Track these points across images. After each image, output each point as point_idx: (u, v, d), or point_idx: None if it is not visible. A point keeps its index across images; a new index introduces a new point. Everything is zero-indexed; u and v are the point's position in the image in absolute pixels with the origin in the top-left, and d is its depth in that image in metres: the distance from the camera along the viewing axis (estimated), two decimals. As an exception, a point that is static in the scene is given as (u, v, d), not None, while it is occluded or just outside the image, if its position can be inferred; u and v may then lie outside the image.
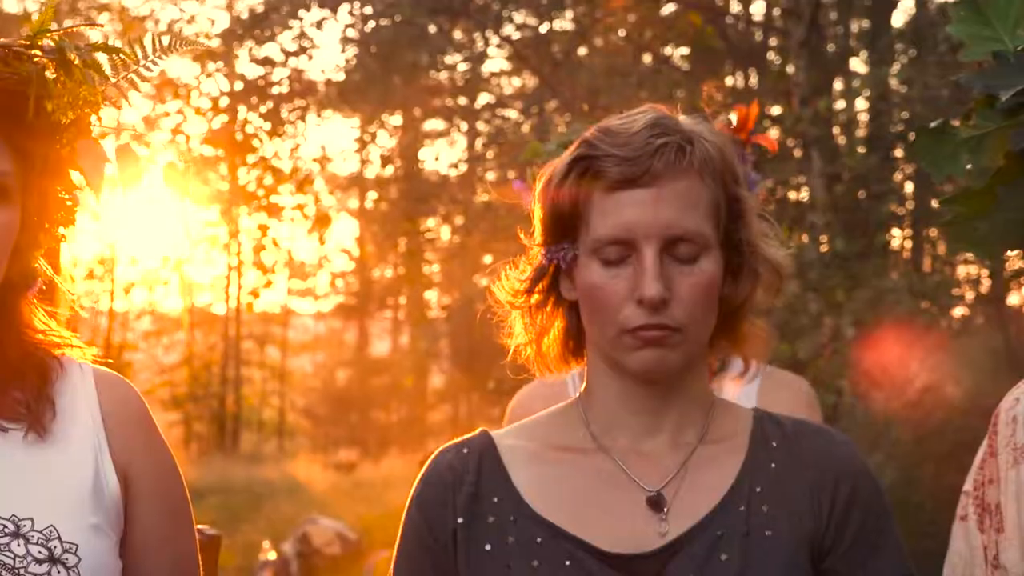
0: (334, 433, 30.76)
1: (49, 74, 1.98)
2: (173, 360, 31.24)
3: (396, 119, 27.72)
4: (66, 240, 2.12)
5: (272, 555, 13.72)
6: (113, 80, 2.04)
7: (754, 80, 17.77)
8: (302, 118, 27.60)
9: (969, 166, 2.13)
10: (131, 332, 30.58)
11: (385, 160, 28.67)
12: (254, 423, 32.47)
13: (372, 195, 30.30)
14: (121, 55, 2.04)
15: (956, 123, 2.13)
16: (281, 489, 21.13)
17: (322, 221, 29.26)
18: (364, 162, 29.67)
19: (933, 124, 2.15)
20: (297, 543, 14.40)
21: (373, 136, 28.64)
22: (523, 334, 2.24)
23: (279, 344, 32.73)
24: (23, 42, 1.98)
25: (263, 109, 26.90)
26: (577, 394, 2.26)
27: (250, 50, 26.29)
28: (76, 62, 1.99)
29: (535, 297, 2.20)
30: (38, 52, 1.98)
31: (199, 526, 2.88)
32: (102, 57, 2.06)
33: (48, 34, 1.97)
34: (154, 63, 2.06)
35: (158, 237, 29.13)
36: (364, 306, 32.19)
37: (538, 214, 2.17)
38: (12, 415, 2.04)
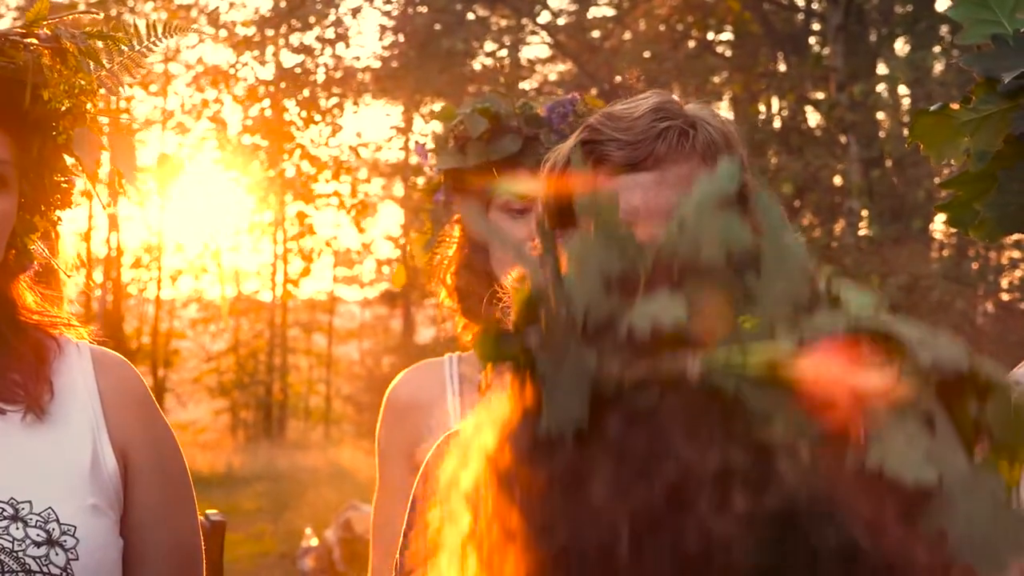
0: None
1: (45, 62, 1.99)
2: (220, 348, 31.35)
3: (438, 107, 27.73)
4: (61, 222, 2.14)
5: (314, 541, 13.75)
6: (108, 66, 2.04)
7: (794, 66, 17.68)
8: (339, 106, 27.62)
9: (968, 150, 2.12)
10: (178, 320, 30.73)
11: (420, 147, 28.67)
12: (300, 410, 32.56)
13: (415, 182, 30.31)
14: (116, 41, 2.05)
15: (956, 106, 2.12)
16: (325, 476, 21.18)
17: (363, 209, 29.30)
18: (406, 150, 29.66)
19: (933, 107, 2.14)
20: (339, 529, 14.40)
21: (410, 123, 28.61)
22: None
23: (325, 332, 32.79)
24: (19, 30, 1.99)
25: (300, 97, 26.96)
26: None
27: (286, 38, 26.33)
28: (72, 50, 1.99)
29: None
30: (34, 40, 1.99)
31: (207, 511, 2.90)
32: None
33: (44, 22, 1.98)
34: (149, 49, 2.07)
35: (201, 224, 29.26)
36: (409, 293, 32.24)
37: (543, 199, 2.17)
38: (10, 397, 2.06)
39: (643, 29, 18.81)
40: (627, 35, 19.60)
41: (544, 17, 20.34)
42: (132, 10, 25.55)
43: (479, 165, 2.94)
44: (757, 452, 1.30)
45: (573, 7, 20.21)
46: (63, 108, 1.99)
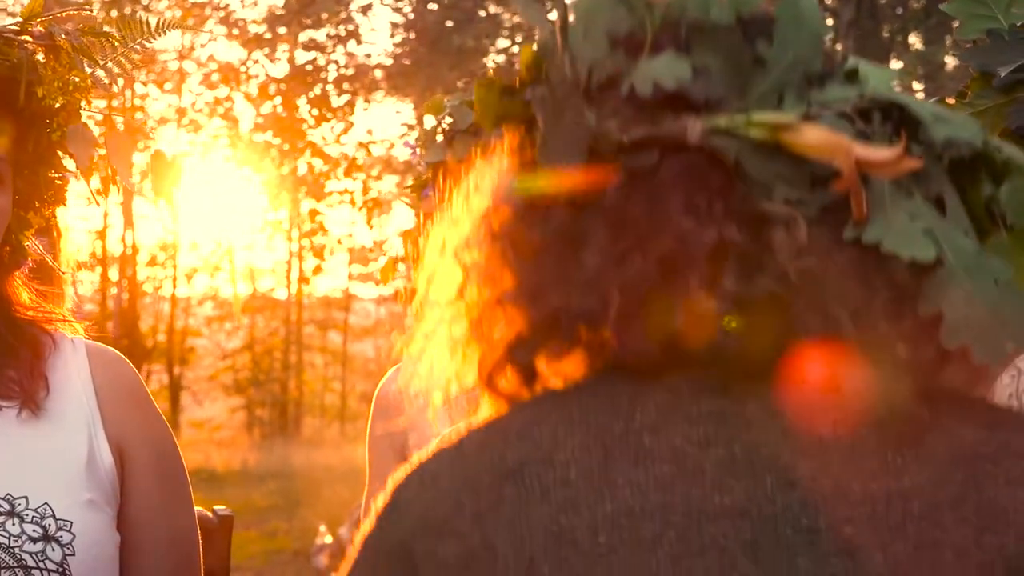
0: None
1: (39, 59, 2.00)
2: (235, 345, 31.39)
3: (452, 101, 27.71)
4: (55, 219, 2.14)
5: (328, 539, 13.76)
6: (102, 63, 2.05)
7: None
8: (351, 104, 27.66)
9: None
10: (193, 318, 30.78)
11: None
12: (316, 408, 32.59)
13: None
14: (109, 39, 2.05)
15: (952, 101, 2.12)
16: (340, 474, 21.20)
17: (375, 206, 29.34)
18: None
19: (929, 102, 2.14)
20: (354, 527, 14.42)
21: (420, 120, 28.65)
22: None
23: (341, 329, 32.82)
24: (13, 28, 2.00)
25: (311, 95, 27.02)
26: None
27: (295, 37, 26.38)
28: (66, 47, 2.00)
29: None
30: (28, 38, 2.00)
31: (215, 506, 2.90)
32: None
33: (38, 19, 1.99)
34: (142, 45, 2.07)
35: (215, 222, 29.27)
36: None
37: None
38: (5, 393, 2.06)
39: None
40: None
41: (556, 14, 20.29)
42: (147, 8, 25.62)
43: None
44: (753, 227, 1.25)
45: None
46: (57, 105, 2.00)
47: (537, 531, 1.26)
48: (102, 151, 2.05)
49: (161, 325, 29.78)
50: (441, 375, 1.45)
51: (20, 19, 2.01)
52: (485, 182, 1.41)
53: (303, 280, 30.83)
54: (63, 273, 2.24)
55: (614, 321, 1.29)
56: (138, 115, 25.12)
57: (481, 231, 1.38)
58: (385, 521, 1.40)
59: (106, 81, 2.04)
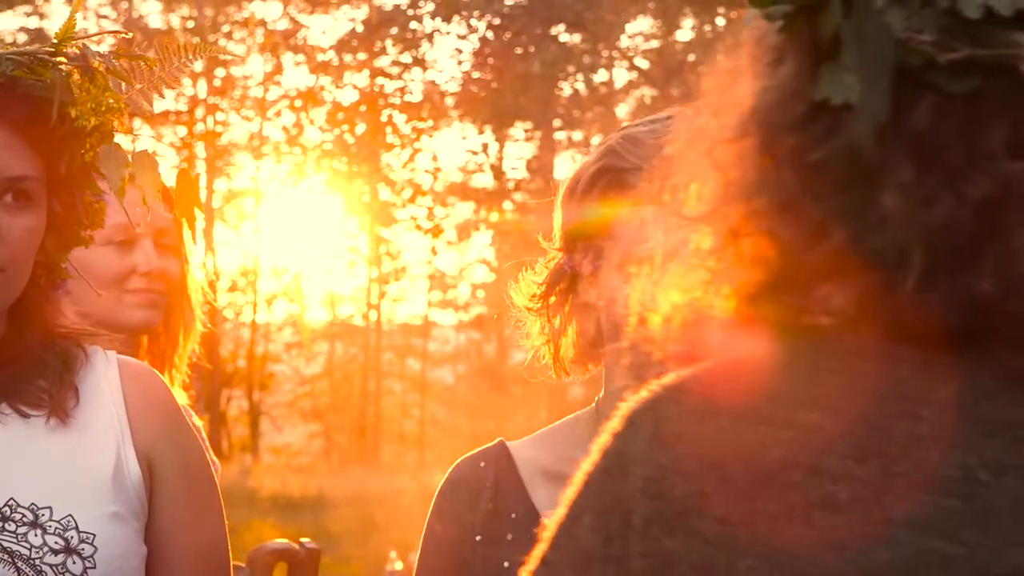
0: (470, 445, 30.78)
1: (73, 80, 2.02)
2: (315, 372, 31.52)
3: (518, 131, 27.65)
4: (93, 241, 2.16)
5: (399, 565, 13.76)
6: (139, 86, 2.07)
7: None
8: (419, 130, 27.82)
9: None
10: (273, 344, 30.95)
11: (496, 171, 28.61)
12: (394, 435, 32.64)
13: (508, 206, 30.32)
14: (147, 62, 2.07)
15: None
16: (417, 500, 21.24)
17: (439, 232, 29.48)
18: (500, 174, 29.70)
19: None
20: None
21: (485, 147, 28.56)
22: (540, 336, 2.21)
23: (420, 356, 32.87)
24: (48, 49, 2.02)
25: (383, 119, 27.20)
26: None
27: (369, 64, 26.57)
28: (100, 69, 2.02)
29: (552, 299, 2.17)
30: (63, 59, 2.02)
31: (302, 539, 2.91)
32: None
33: (72, 41, 2.02)
34: (179, 71, 2.09)
35: (286, 248, 29.49)
36: (503, 317, 32.21)
37: (559, 220, 2.14)
38: (35, 402, 2.06)
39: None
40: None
41: (624, 42, 20.34)
42: (228, 35, 25.87)
43: None
44: None
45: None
46: (90, 126, 2.02)
47: (793, 567, 1.04)
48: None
49: (241, 351, 29.97)
50: (674, 293, 1.22)
51: (55, 39, 2.03)
52: (752, 80, 1.18)
53: (374, 307, 30.93)
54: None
55: (913, 280, 1.06)
56: (219, 141, 25.36)
57: (748, 134, 1.16)
58: (603, 475, 1.15)
59: (145, 105, 2.06)
